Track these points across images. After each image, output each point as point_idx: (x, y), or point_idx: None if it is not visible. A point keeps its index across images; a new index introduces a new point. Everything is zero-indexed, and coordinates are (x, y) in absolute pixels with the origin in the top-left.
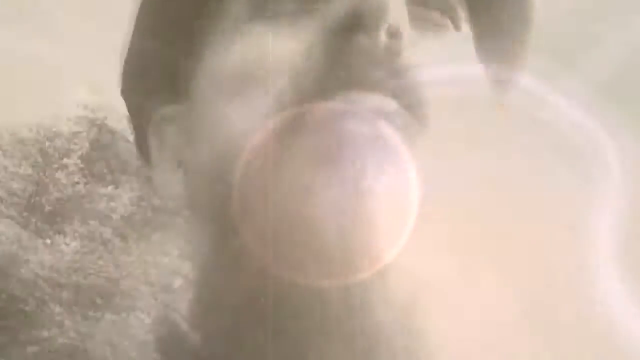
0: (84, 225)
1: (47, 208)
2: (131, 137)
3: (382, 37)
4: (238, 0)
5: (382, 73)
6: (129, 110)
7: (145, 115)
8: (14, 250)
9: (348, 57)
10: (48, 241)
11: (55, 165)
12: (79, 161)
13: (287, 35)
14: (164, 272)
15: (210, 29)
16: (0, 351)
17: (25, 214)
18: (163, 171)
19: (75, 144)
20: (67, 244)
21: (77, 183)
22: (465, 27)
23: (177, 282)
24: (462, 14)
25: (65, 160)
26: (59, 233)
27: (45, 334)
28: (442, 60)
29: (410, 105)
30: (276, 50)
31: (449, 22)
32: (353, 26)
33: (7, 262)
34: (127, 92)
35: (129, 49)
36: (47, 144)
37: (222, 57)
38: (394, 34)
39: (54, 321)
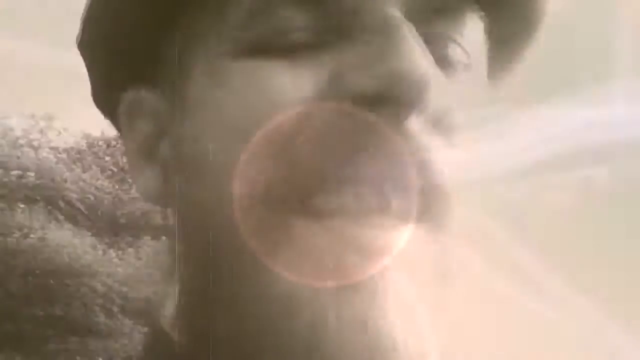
0: (155, 240)
1: (121, 221)
2: None
3: (415, 124)
4: (235, 16)
5: (403, 173)
6: (91, 73)
7: (112, 89)
8: (88, 261)
9: (361, 141)
10: (120, 254)
11: (130, 180)
12: None
13: (291, 77)
14: None
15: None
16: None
17: (100, 225)
18: (134, 161)
19: None
20: (139, 258)
21: None
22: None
23: None
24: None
25: None
26: (131, 246)
27: (113, 344)
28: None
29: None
30: (274, 98)
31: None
32: (375, 100)
33: (81, 273)
34: (90, 52)
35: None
36: (124, 158)
37: (215, 82)
38: (439, 122)
39: (123, 333)
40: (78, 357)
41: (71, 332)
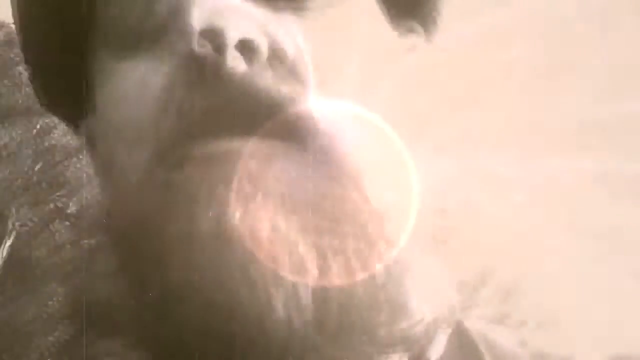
0: None
1: None
2: None
3: (229, 59)
4: (105, 34)
5: (238, 107)
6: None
7: (71, 118)
8: None
9: (204, 96)
10: None
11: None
12: None
13: (150, 64)
14: None
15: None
16: None
17: None
18: (99, 171)
19: None
20: None
21: None
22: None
23: None
24: None
25: None
26: None
27: None
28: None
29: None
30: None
31: None
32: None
33: None
34: (44, 97)
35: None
36: None
37: (103, 87)
38: (247, 48)
39: None
40: None
41: None
